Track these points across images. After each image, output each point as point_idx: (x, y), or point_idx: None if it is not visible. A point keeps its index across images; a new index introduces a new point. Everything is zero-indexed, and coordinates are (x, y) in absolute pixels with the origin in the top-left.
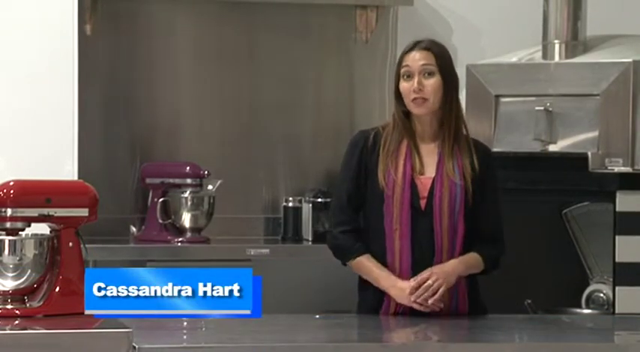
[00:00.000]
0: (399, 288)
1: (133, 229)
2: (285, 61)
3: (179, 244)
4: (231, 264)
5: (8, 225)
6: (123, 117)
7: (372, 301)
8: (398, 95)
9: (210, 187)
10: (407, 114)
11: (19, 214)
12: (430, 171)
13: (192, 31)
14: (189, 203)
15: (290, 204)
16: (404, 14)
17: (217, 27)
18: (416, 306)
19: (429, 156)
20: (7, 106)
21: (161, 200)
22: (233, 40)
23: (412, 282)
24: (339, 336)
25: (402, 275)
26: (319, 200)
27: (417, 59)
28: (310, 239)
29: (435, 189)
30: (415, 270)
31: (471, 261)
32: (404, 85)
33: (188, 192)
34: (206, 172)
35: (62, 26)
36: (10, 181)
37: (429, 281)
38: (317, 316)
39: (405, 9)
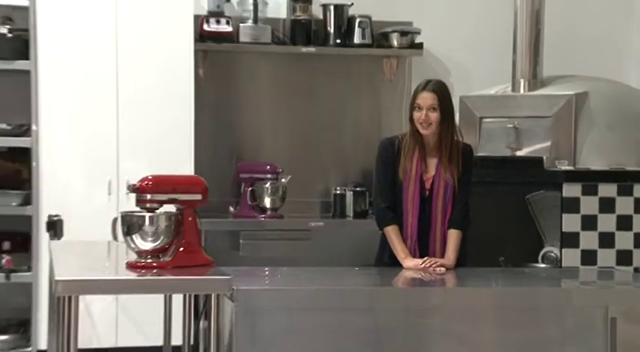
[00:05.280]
0: (409, 262)
1: (231, 209)
2: (334, 95)
3: (262, 219)
4: (297, 232)
5: (148, 205)
6: (224, 133)
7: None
8: (412, 120)
9: (283, 180)
10: (418, 131)
11: (155, 198)
12: (432, 171)
13: (271, 74)
14: (269, 191)
15: (338, 192)
16: (416, 61)
17: (288, 71)
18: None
19: (432, 161)
20: (147, 129)
21: (250, 189)
22: (298, 81)
23: (420, 261)
24: (369, 281)
25: (412, 239)
26: (358, 189)
27: (425, 98)
28: (352, 215)
29: (434, 185)
30: (420, 235)
31: (457, 245)
32: (416, 115)
33: (268, 183)
34: (280, 170)
35: (183, 71)
36: (149, 176)
37: (435, 260)
38: (356, 268)
39: (417, 58)
